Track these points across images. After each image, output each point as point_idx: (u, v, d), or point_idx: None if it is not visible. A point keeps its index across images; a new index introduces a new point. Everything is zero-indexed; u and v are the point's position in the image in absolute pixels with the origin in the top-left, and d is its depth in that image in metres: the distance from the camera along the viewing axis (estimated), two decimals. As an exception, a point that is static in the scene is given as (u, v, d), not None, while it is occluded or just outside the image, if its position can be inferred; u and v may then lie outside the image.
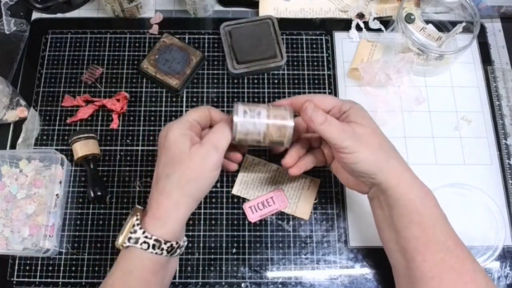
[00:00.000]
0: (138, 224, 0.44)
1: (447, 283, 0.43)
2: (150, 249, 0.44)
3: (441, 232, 0.45)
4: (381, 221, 0.48)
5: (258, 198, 0.57)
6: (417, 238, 0.44)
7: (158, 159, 0.48)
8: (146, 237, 0.44)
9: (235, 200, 0.58)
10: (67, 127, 0.61)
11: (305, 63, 0.65)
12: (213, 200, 0.58)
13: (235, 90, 0.64)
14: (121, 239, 0.44)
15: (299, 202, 0.57)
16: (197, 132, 0.49)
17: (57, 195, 0.56)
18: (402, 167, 0.47)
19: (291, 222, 0.57)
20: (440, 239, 0.44)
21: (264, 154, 0.60)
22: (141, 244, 0.44)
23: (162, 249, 0.44)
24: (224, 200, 0.58)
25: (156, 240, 0.44)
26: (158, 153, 0.48)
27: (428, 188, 0.47)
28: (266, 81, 0.64)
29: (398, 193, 0.45)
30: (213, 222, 0.57)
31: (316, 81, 0.64)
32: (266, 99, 0.63)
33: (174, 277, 0.54)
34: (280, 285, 0.55)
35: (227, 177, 0.59)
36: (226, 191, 0.58)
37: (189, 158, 0.45)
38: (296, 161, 0.52)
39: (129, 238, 0.44)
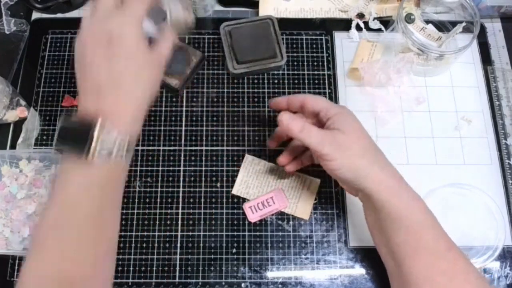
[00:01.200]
0: (108, 129, 0.39)
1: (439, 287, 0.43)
2: (124, 154, 0.40)
3: (430, 236, 0.45)
4: (372, 224, 0.49)
5: (258, 198, 0.57)
6: (405, 242, 0.44)
7: (105, 56, 0.42)
8: (122, 140, 0.40)
9: (235, 200, 0.58)
10: (67, 127, 0.61)
11: (305, 63, 0.65)
12: (213, 200, 0.58)
13: (235, 90, 0.64)
14: (90, 150, 0.38)
15: (299, 202, 0.57)
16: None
17: (57, 195, 0.56)
18: (386, 173, 0.47)
19: (291, 222, 0.57)
20: (429, 243, 0.44)
21: (264, 154, 0.60)
22: (116, 152, 0.39)
23: (130, 150, 0.41)
24: (224, 200, 0.58)
25: (129, 139, 0.40)
26: (101, 49, 0.42)
27: (415, 194, 0.47)
28: (266, 81, 0.64)
29: (382, 199, 0.45)
30: (213, 222, 0.57)
31: (316, 81, 0.64)
32: (266, 99, 0.63)
33: (174, 277, 0.54)
34: (280, 285, 0.55)
35: (227, 177, 0.59)
36: (226, 191, 0.58)
37: (151, 58, 0.44)
38: (290, 160, 0.55)
39: (101, 150, 0.38)
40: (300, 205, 0.57)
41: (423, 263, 0.43)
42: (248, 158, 0.59)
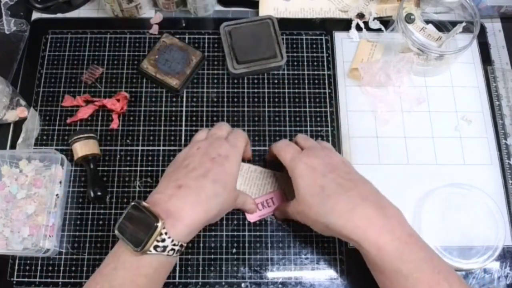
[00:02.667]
0: (166, 233, 0.42)
1: None
2: (175, 254, 0.44)
3: (424, 275, 0.43)
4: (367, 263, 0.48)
5: (258, 199, 0.57)
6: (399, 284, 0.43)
7: (204, 168, 0.47)
8: (174, 244, 0.43)
9: (235, 200, 0.58)
10: (67, 127, 0.61)
11: (305, 63, 0.65)
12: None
13: (235, 90, 0.64)
14: (145, 247, 0.41)
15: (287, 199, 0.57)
16: None
17: (57, 195, 0.56)
18: (362, 223, 0.45)
19: (291, 222, 0.57)
20: (424, 280, 0.42)
21: (264, 154, 0.60)
22: (168, 251, 0.43)
23: (180, 251, 0.44)
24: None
25: (181, 245, 0.44)
26: (203, 161, 0.48)
27: (399, 234, 0.44)
28: (266, 81, 0.64)
29: (365, 253, 0.46)
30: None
31: (316, 81, 0.64)
32: (266, 99, 0.63)
33: (174, 277, 0.54)
34: (280, 285, 0.55)
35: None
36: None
37: (235, 190, 0.50)
38: None
39: (156, 247, 0.42)
40: (287, 203, 0.57)
41: None
42: (244, 166, 0.59)
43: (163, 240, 0.42)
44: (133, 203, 0.44)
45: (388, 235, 0.43)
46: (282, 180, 0.58)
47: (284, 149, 0.52)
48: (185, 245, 0.45)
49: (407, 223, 0.46)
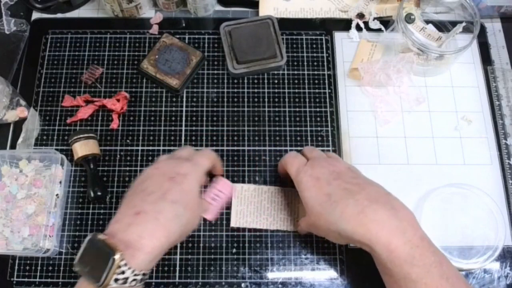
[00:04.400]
0: (125, 264, 0.40)
1: None
2: (138, 284, 0.42)
3: (432, 281, 0.42)
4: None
5: (205, 194, 0.56)
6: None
7: (162, 190, 0.45)
8: (136, 274, 0.41)
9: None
10: (67, 127, 0.61)
11: (305, 63, 0.65)
12: (213, 200, 0.58)
13: (235, 90, 0.64)
14: (105, 281, 0.39)
15: (298, 216, 0.56)
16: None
17: (57, 195, 0.56)
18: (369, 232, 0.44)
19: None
20: (432, 286, 0.42)
21: (264, 154, 0.60)
22: (130, 282, 0.41)
23: (144, 279, 0.42)
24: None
25: (143, 274, 0.42)
26: (161, 182, 0.46)
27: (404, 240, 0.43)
28: (266, 81, 0.64)
29: (376, 256, 0.45)
30: (213, 222, 0.57)
31: (316, 81, 0.64)
32: (266, 99, 0.63)
33: (174, 277, 0.54)
34: (280, 285, 0.55)
35: (227, 177, 0.58)
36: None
37: (198, 208, 0.48)
38: None
39: (116, 280, 0.40)
40: (301, 218, 0.55)
41: None
42: (237, 187, 0.58)
43: (123, 272, 0.40)
44: (89, 237, 0.42)
45: (400, 238, 0.43)
46: (293, 196, 0.57)
47: (290, 162, 0.52)
48: (148, 272, 0.43)
49: (419, 225, 0.45)
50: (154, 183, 0.47)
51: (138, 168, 0.59)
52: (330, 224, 0.46)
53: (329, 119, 0.62)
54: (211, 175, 0.57)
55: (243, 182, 0.59)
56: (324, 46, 0.66)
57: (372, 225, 0.43)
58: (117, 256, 0.40)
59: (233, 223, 0.56)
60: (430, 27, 0.63)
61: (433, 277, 0.42)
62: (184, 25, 0.68)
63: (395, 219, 0.44)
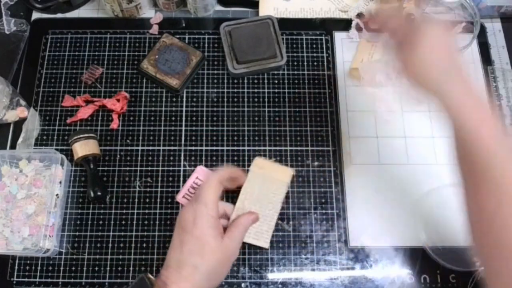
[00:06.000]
0: None
1: None
2: None
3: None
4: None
5: (185, 185, 0.57)
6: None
7: (179, 241, 0.46)
8: None
9: (235, 200, 0.58)
10: (67, 127, 0.61)
11: (305, 63, 0.65)
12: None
13: (235, 90, 0.64)
14: None
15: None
16: (219, 213, 0.50)
17: (57, 195, 0.56)
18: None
19: (291, 222, 0.57)
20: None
21: (264, 155, 0.60)
22: None
23: None
24: (224, 200, 0.58)
25: None
26: (178, 233, 0.47)
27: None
28: (266, 81, 0.64)
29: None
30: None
31: (316, 81, 0.64)
32: (266, 99, 0.63)
33: (174, 277, 0.54)
34: (280, 285, 0.55)
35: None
36: (226, 191, 0.58)
37: (220, 251, 0.46)
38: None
39: None
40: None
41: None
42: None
43: None
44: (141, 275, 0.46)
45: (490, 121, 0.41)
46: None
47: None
48: None
49: None
50: (176, 235, 0.47)
51: (138, 168, 0.59)
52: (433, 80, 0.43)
53: (329, 119, 0.62)
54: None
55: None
56: (324, 46, 0.66)
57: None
58: None
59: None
60: (430, 27, 0.63)
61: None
62: (184, 25, 0.68)
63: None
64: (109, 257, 0.55)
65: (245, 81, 0.64)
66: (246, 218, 0.51)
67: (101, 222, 0.57)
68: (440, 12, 0.68)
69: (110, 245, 0.56)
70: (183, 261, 0.45)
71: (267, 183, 0.55)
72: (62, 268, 0.55)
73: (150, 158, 0.60)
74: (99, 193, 0.57)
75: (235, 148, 0.60)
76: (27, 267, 0.55)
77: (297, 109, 0.63)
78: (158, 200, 0.58)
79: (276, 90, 0.64)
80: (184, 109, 0.63)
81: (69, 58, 0.65)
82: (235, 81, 0.64)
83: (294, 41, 0.67)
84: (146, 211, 0.57)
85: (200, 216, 0.46)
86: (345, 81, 0.64)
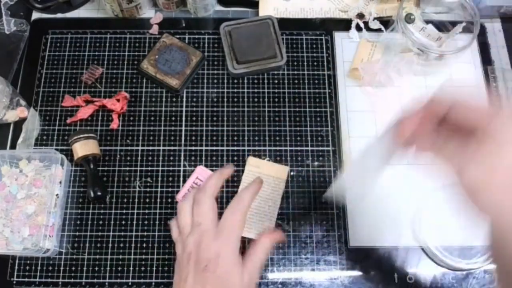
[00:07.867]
0: None
1: None
2: None
3: None
4: None
5: (185, 185, 0.57)
6: None
7: (200, 279, 0.43)
8: None
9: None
10: (67, 127, 0.61)
11: (305, 63, 0.65)
12: (213, 200, 0.58)
13: (235, 90, 0.64)
14: None
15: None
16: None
17: (57, 195, 0.56)
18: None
19: (291, 222, 0.57)
20: None
21: (264, 155, 0.60)
22: None
23: None
24: (224, 199, 0.58)
25: None
26: (196, 270, 0.44)
27: None
28: (266, 81, 0.64)
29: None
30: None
31: (316, 81, 0.64)
32: (266, 99, 0.63)
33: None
34: (280, 285, 0.55)
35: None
36: (226, 191, 0.58)
37: (245, 281, 0.45)
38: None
39: None
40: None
41: None
42: None
43: None
44: None
45: None
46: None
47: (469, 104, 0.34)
48: None
49: None
50: (191, 277, 0.44)
51: (138, 168, 0.59)
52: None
53: (329, 119, 0.62)
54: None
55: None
56: (324, 46, 0.66)
57: None
58: None
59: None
60: (430, 27, 0.63)
61: None
62: (184, 25, 0.68)
63: None
64: (109, 257, 0.55)
65: (245, 81, 0.64)
66: (266, 238, 0.48)
67: (101, 222, 0.57)
68: (440, 12, 0.68)
69: (110, 245, 0.56)
70: None
71: (265, 180, 0.56)
72: (62, 268, 0.55)
73: (150, 158, 0.60)
74: (99, 193, 0.57)
75: (235, 148, 0.60)
76: (27, 267, 0.55)
77: (297, 109, 0.63)
78: (158, 200, 0.58)
79: (276, 90, 0.64)
80: (184, 109, 0.63)
81: (69, 58, 0.65)
82: (235, 81, 0.64)
83: (294, 41, 0.67)
84: (146, 211, 0.57)
85: (226, 252, 0.44)
86: (345, 81, 0.64)
